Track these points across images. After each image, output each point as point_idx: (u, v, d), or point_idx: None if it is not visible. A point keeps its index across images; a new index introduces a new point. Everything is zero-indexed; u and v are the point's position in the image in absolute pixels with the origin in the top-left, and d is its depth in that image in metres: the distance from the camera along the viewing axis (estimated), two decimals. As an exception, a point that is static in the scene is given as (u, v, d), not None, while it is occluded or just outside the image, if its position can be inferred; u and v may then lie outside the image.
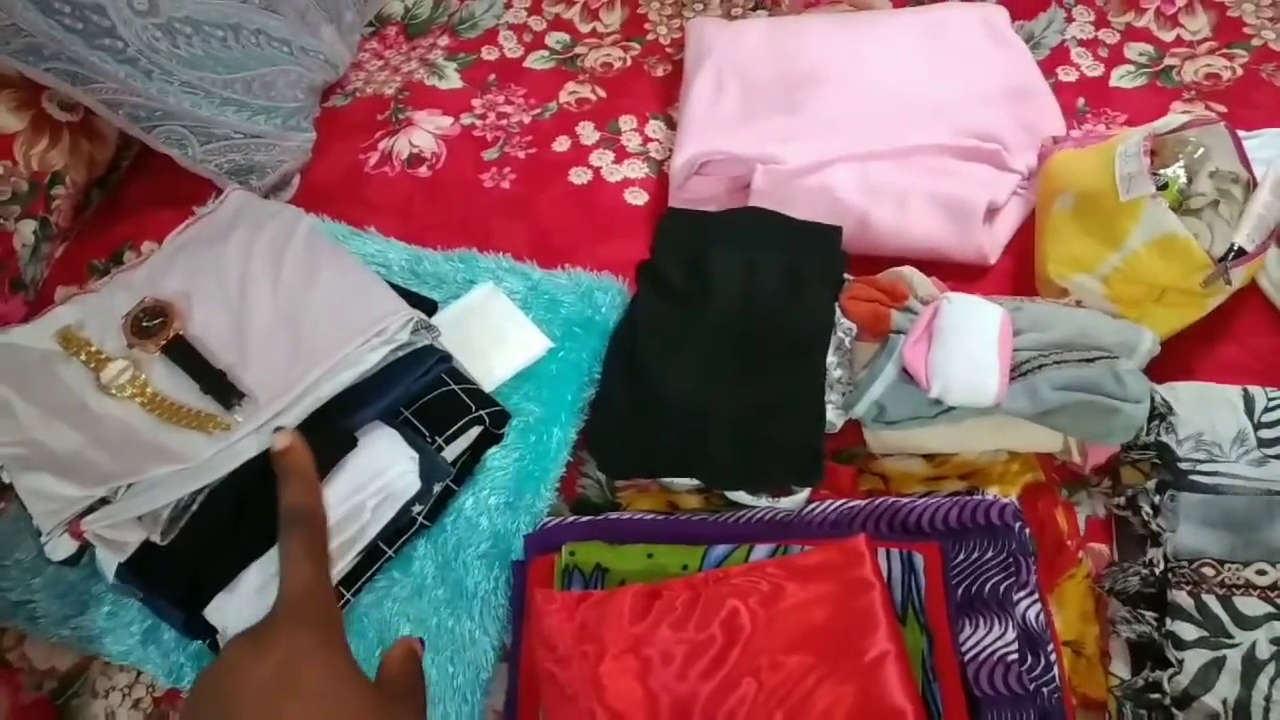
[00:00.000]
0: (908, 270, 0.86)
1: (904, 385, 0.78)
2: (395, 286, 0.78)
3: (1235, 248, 0.82)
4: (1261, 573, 0.71)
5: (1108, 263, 0.82)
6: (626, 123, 1.10)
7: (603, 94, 1.13)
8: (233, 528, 0.69)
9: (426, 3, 1.25)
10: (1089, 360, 0.77)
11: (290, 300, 0.72)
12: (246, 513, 0.69)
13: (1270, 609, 0.70)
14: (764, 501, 0.77)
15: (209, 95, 0.99)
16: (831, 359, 0.81)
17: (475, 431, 0.76)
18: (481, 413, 0.73)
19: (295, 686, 0.50)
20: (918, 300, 0.82)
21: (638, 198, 1.04)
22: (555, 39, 1.19)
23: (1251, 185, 0.85)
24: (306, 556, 0.57)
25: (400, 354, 0.71)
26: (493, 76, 1.16)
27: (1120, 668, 0.72)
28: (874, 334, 0.82)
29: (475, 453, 0.77)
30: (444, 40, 1.21)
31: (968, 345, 0.77)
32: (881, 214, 0.92)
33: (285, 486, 0.60)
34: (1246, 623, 0.69)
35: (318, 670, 0.51)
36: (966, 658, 0.68)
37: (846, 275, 0.85)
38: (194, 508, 0.65)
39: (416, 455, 0.70)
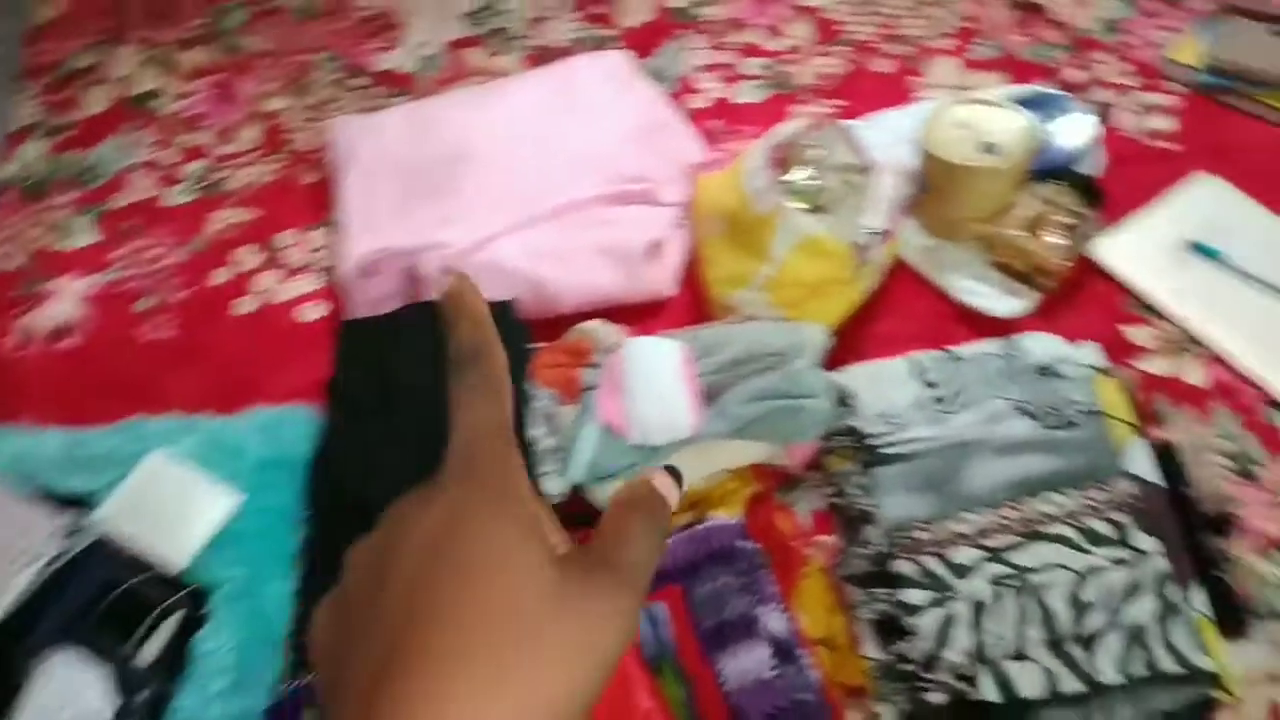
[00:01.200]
0: (591, 324, 0.87)
1: (610, 438, 0.79)
2: (47, 487, 0.71)
3: (874, 230, 0.89)
4: (964, 521, 0.76)
5: (762, 274, 0.86)
6: (287, 238, 1.06)
7: (256, 214, 1.08)
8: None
9: (41, 160, 1.15)
10: (767, 369, 0.81)
11: (-87, 541, 0.64)
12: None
13: (981, 553, 0.75)
14: (503, 594, 0.75)
15: None
16: (539, 431, 0.81)
17: (176, 619, 0.69)
18: (172, 599, 0.67)
19: (451, 552, 0.37)
20: (602, 353, 0.83)
21: (315, 312, 0.99)
22: (193, 168, 1.13)
23: (872, 170, 0.92)
24: (479, 398, 0.43)
25: (59, 564, 0.64)
26: (132, 222, 1.09)
27: (871, 649, 0.75)
28: (571, 396, 0.82)
29: (184, 641, 0.71)
30: (70, 195, 1.12)
31: (654, 386, 0.78)
32: (553, 276, 0.92)
33: (454, 329, 0.45)
34: (964, 572, 0.74)
35: (483, 532, 0.37)
36: (729, 688, 0.69)
37: (532, 344, 0.85)
38: None
39: (108, 668, 0.63)
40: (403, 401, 0.81)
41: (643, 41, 1.17)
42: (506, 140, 1.03)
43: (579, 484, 0.80)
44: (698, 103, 1.11)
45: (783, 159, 0.91)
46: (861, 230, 0.88)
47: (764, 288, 0.87)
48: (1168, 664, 0.69)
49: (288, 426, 0.83)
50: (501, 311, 0.86)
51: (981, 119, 0.90)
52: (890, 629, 0.74)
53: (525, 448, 0.79)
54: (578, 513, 0.82)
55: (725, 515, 0.79)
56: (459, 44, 1.21)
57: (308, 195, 1.10)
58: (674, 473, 0.43)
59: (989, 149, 0.88)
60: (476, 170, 1.01)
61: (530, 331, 0.86)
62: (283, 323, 0.99)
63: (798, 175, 0.89)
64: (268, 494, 0.79)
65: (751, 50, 1.15)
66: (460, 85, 1.17)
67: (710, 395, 0.80)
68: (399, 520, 0.38)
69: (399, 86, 1.18)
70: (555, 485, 0.79)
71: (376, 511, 0.74)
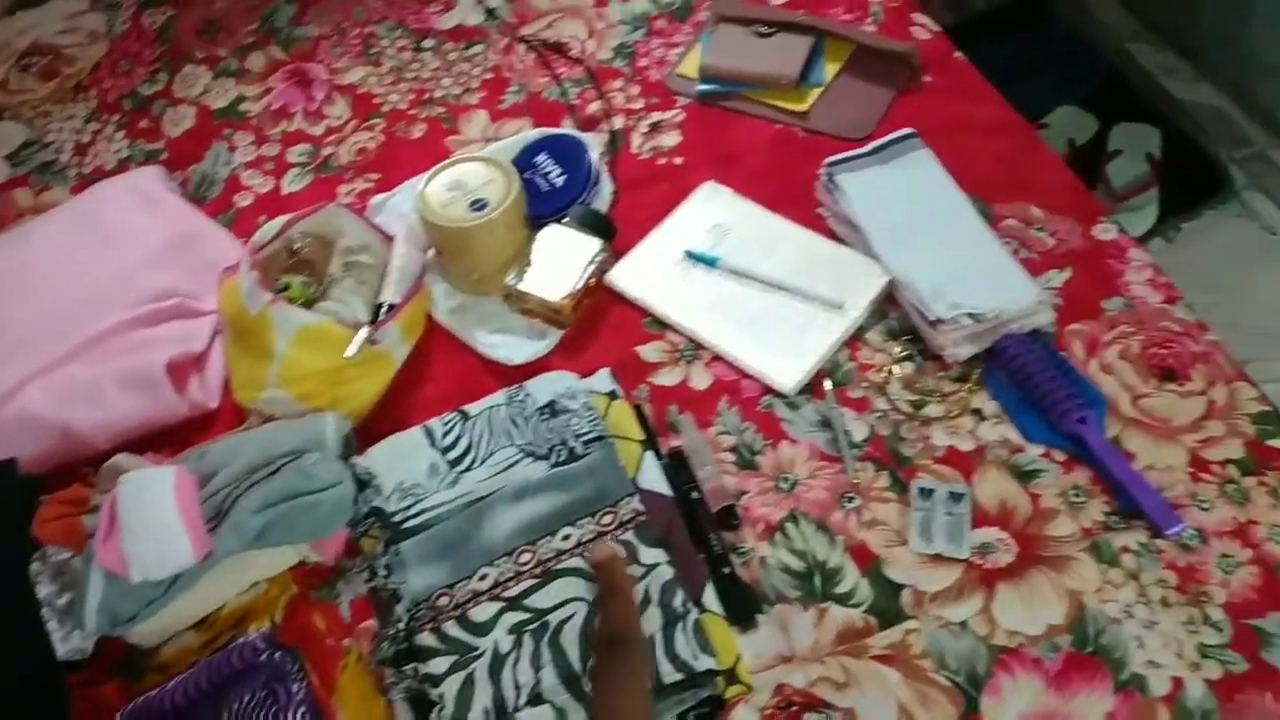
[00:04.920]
0: (116, 460, 0.85)
1: (117, 582, 0.77)
2: None
3: (385, 305, 0.90)
4: (483, 577, 0.78)
5: (272, 374, 0.86)
6: None
7: None
8: None
9: None
10: (275, 471, 0.80)
11: None
12: None
13: (500, 604, 0.77)
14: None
15: None
16: (49, 590, 0.78)
17: None
18: None
19: None
20: (101, 496, 0.81)
21: None
22: None
23: (380, 245, 0.93)
24: (629, 684, 0.54)
25: None
26: None
27: (411, 729, 0.75)
28: (79, 547, 0.80)
29: None
30: None
31: (149, 518, 0.77)
32: (82, 415, 0.90)
33: (608, 605, 0.56)
34: (484, 629, 0.76)
35: None
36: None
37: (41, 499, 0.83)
38: None
39: None
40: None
41: (189, 148, 1.16)
42: (33, 284, 1.00)
43: (107, 633, 0.78)
44: (244, 200, 1.10)
45: (277, 255, 0.91)
46: (372, 306, 0.90)
47: (280, 386, 0.86)
48: (669, 673, 0.72)
49: None
50: (4, 474, 0.83)
51: (470, 177, 0.93)
52: (421, 704, 0.75)
53: (34, 610, 0.76)
54: (119, 661, 0.80)
55: (256, 628, 0.79)
56: (5, 186, 1.17)
57: None
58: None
59: (477, 206, 0.90)
60: (6, 321, 0.98)
61: (40, 485, 0.83)
62: None
63: (291, 274, 0.89)
64: None
65: (294, 138, 1.15)
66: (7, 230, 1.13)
67: (224, 511, 0.79)
68: None
69: (-50, 241, 1.13)
70: (76, 642, 0.77)
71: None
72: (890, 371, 0.87)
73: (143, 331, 0.95)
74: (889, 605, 0.76)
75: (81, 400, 0.90)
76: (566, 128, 1.08)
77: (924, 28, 1.11)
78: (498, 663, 0.74)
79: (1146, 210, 1.67)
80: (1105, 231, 0.93)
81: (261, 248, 0.89)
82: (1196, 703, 0.69)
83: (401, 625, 0.77)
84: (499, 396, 0.87)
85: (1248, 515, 0.77)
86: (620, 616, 0.58)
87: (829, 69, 1.07)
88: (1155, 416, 0.82)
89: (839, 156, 0.96)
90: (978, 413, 0.84)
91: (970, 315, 0.84)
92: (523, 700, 0.72)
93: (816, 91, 1.06)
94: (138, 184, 1.07)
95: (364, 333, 0.86)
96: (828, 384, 0.86)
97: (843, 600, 0.76)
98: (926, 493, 0.80)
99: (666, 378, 0.90)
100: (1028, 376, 0.83)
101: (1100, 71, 1.85)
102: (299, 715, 0.72)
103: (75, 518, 0.80)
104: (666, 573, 0.76)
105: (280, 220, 0.91)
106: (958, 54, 1.09)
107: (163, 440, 0.91)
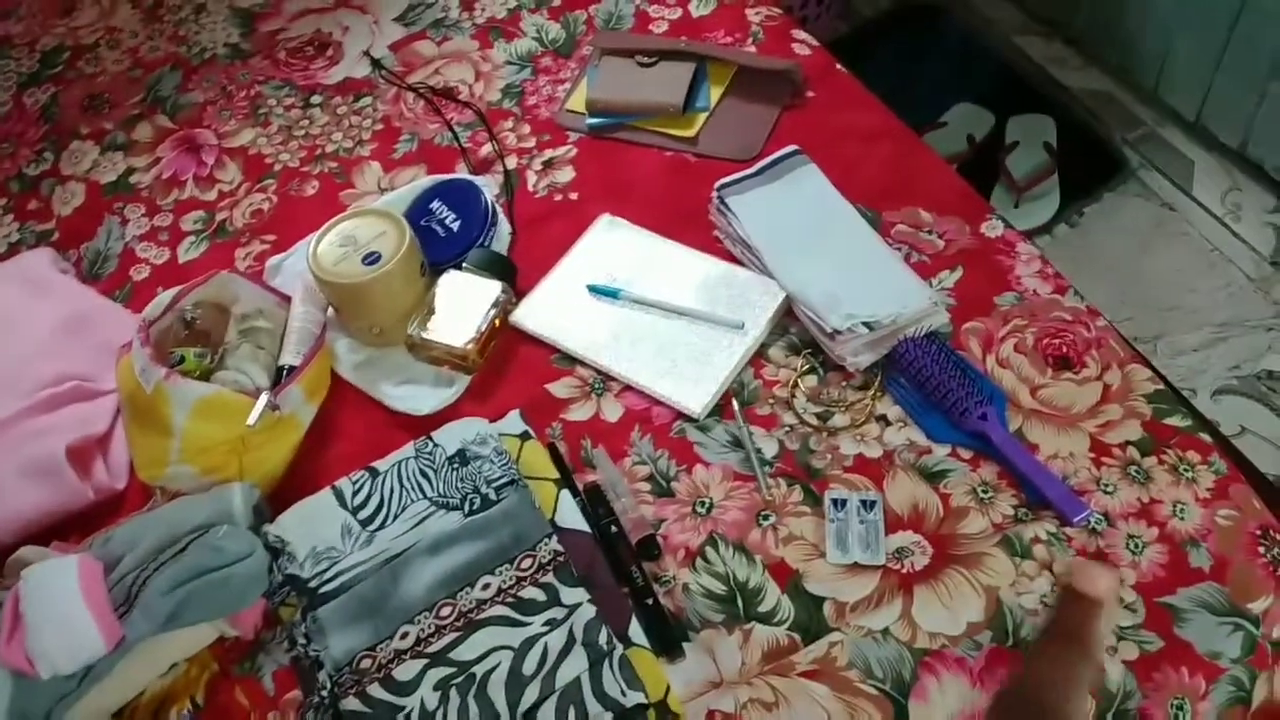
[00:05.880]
0: (25, 551, 0.83)
1: (25, 681, 0.75)
2: None
3: (285, 368, 0.89)
4: (404, 635, 0.77)
5: (173, 450, 0.84)
6: None
7: None
8: None
9: None
10: (183, 548, 0.79)
11: None
12: None
13: (423, 661, 0.76)
14: None
15: None
16: (-42, 696, 0.76)
17: None
18: None
19: None
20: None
21: None
22: None
23: (274, 308, 0.92)
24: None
25: None
26: None
27: (342, 795, 0.74)
28: (-16, 647, 0.77)
29: None
30: None
31: (53, 611, 0.74)
32: (-15, 508, 0.87)
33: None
34: (408, 687, 0.75)
35: None
36: None
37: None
38: None
39: None
40: None
41: (81, 226, 1.14)
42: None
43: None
44: (142, 274, 1.08)
45: (171, 328, 0.90)
46: (272, 370, 0.88)
47: (182, 461, 0.85)
48: (599, 713, 0.72)
49: None
50: (-101, 580, 0.80)
51: (360, 231, 0.92)
52: (355, 774, 0.73)
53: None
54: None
55: (177, 711, 0.77)
56: (-109, 279, 1.14)
57: None
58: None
59: (370, 259, 0.90)
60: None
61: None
62: None
63: (186, 346, 0.88)
64: None
65: (187, 206, 1.13)
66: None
67: (133, 595, 0.77)
68: None
69: None
70: (-12, 748, 0.74)
71: None
72: (795, 386, 0.88)
73: (39, 419, 0.93)
74: (811, 620, 0.76)
75: (-14, 494, 0.88)
76: (461, 172, 1.08)
77: (804, 44, 1.13)
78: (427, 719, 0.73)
79: (1049, 198, 1.71)
80: (992, 228, 0.95)
81: (153, 322, 0.87)
82: (1116, 684, 0.71)
83: (325, 692, 0.75)
84: (407, 450, 0.86)
85: (1150, 495, 0.79)
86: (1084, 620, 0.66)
87: (713, 92, 1.08)
88: (1054, 406, 0.84)
89: (728, 179, 0.97)
90: (883, 419, 0.85)
91: (866, 324, 0.85)
92: (456, 757, 0.71)
93: (703, 116, 1.07)
94: (25, 269, 1.05)
95: (264, 398, 0.84)
96: (735, 404, 0.86)
97: (766, 619, 0.76)
98: (839, 503, 0.80)
99: (578, 413, 0.89)
100: (927, 378, 0.84)
101: (992, 67, 1.89)
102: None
103: (-21, 616, 0.77)
104: (589, 611, 0.76)
105: (171, 293, 0.90)
106: (839, 66, 1.11)
107: (72, 528, 0.89)
